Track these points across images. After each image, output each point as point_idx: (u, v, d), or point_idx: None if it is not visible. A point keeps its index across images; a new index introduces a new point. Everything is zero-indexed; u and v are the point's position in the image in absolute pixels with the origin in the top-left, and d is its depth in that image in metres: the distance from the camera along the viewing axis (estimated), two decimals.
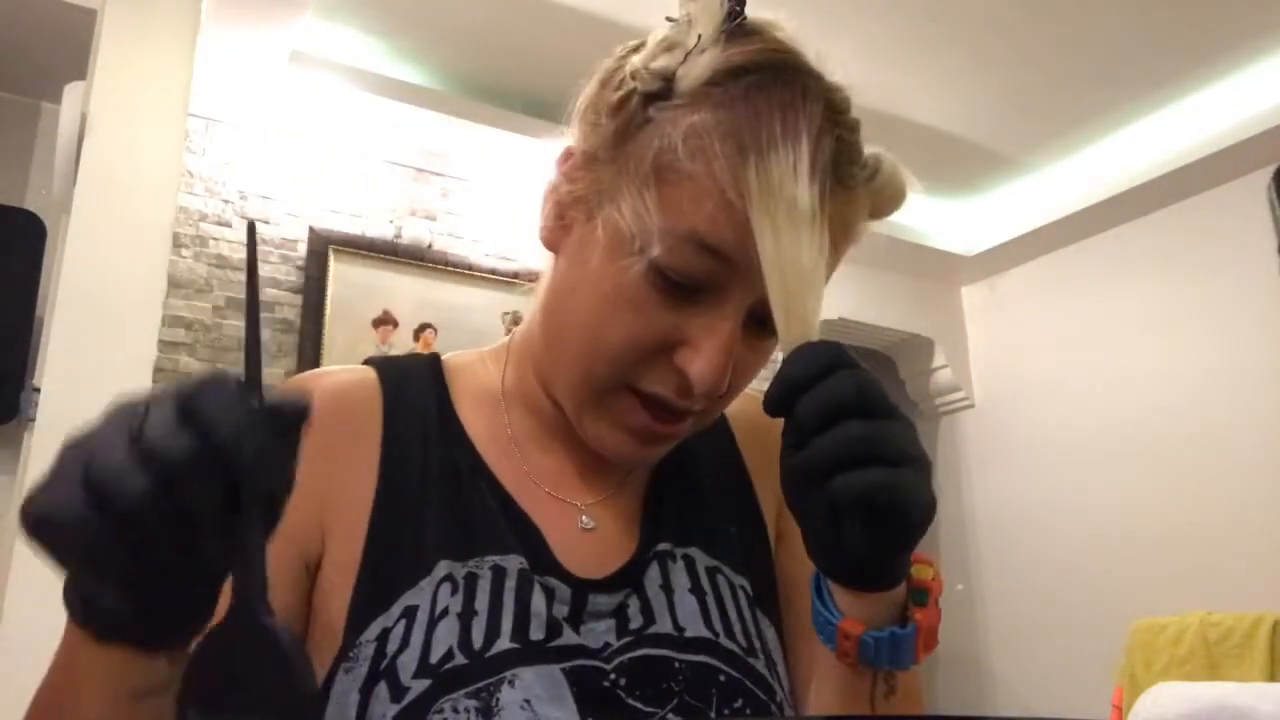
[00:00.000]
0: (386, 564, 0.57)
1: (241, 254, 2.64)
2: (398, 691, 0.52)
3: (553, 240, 0.61)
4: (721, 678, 0.57)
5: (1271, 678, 2.58)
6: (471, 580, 0.56)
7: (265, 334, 2.64)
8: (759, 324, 0.56)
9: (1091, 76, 2.90)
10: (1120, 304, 3.49)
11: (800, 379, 0.47)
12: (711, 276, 0.54)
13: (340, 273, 2.75)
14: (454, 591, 0.56)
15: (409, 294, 2.84)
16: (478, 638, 0.54)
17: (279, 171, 2.75)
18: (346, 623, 0.55)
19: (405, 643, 0.54)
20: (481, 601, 0.55)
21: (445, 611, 0.55)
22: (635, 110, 0.56)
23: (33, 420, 1.75)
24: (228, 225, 2.65)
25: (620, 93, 0.57)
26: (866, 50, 2.74)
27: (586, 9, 2.49)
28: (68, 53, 2.21)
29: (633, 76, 0.56)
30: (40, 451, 1.70)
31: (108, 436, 0.36)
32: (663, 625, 0.58)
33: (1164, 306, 3.35)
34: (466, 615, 0.55)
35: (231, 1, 2.26)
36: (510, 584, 0.57)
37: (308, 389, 0.62)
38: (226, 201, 2.66)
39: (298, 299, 2.69)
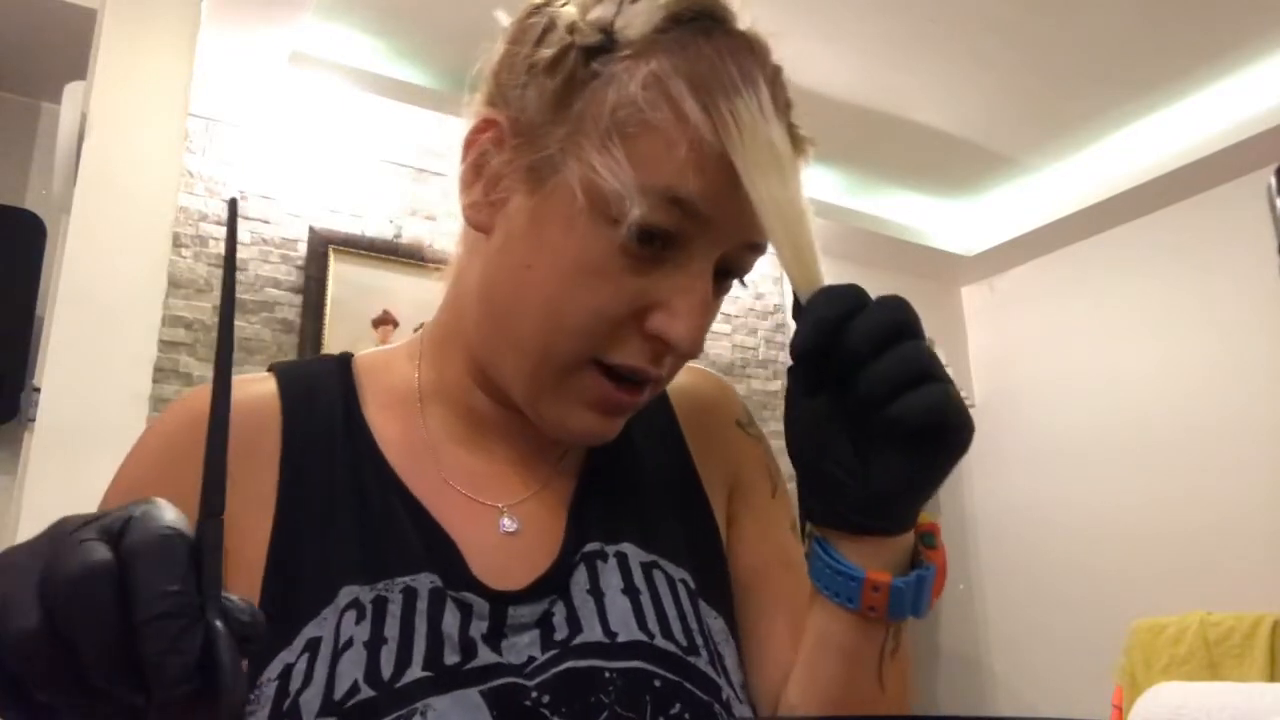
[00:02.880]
0: (289, 595, 0.52)
1: (241, 253, 2.64)
2: None
3: (483, 219, 0.56)
4: (656, 682, 0.52)
5: (1271, 678, 2.58)
6: (380, 605, 0.52)
7: (266, 333, 2.64)
8: (718, 278, 0.55)
9: (1091, 77, 2.90)
10: (1120, 304, 3.49)
11: (837, 316, 0.47)
12: (680, 233, 0.51)
13: (340, 273, 2.75)
14: (360, 619, 0.51)
15: (409, 294, 2.83)
16: (387, 667, 0.50)
17: (279, 171, 2.75)
18: (249, 662, 0.50)
19: (309, 679, 0.49)
20: (391, 628, 0.51)
21: (350, 642, 0.50)
22: (576, 65, 0.52)
23: (33, 420, 1.75)
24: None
25: (552, 49, 0.53)
26: (866, 50, 2.74)
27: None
28: (68, 53, 2.21)
29: (569, 30, 0.53)
30: (40, 451, 1.70)
31: (22, 567, 0.31)
32: (591, 633, 0.54)
33: (1164, 306, 3.35)
34: (375, 644, 0.50)
35: (231, 1, 2.26)
36: (422, 606, 0.52)
37: (201, 405, 0.56)
38: (227, 201, 2.66)
39: (298, 299, 2.69)
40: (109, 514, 0.32)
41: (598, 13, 0.53)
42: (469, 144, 0.57)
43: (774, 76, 0.54)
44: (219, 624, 0.30)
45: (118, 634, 0.29)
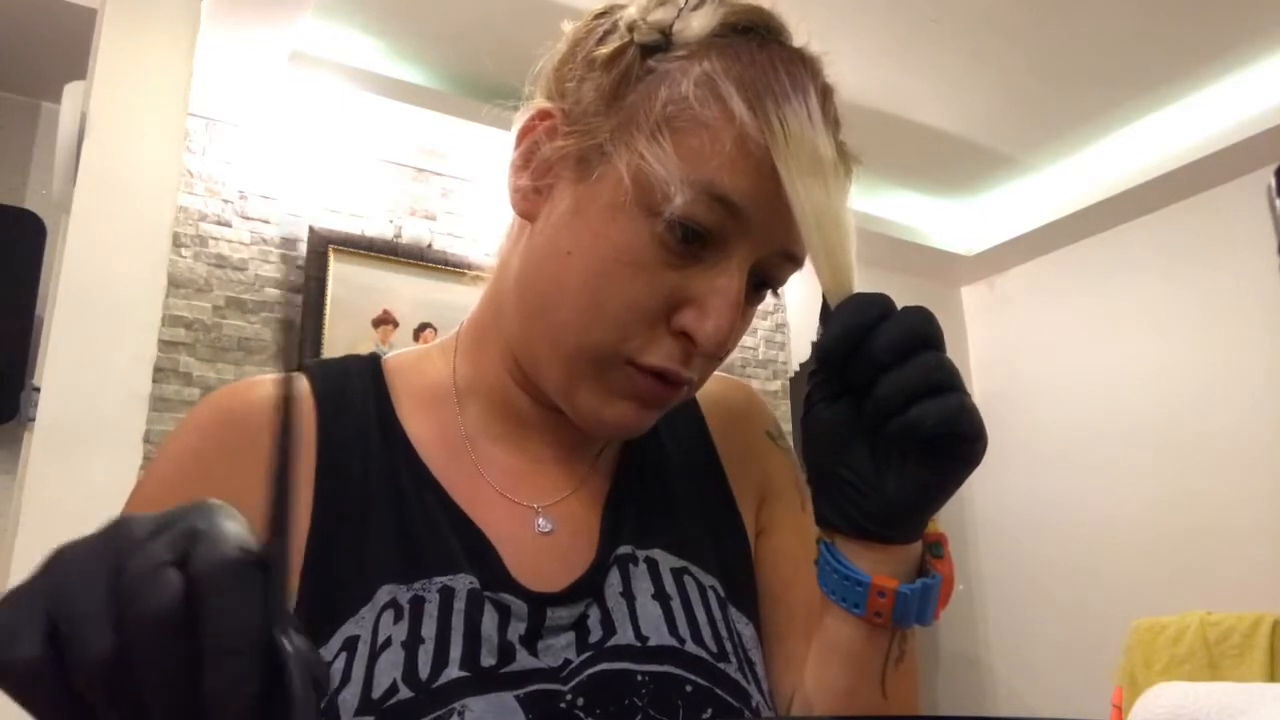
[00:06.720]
0: (326, 593, 0.52)
1: (241, 253, 2.64)
2: None
3: (529, 206, 0.57)
4: (688, 687, 0.53)
5: (1271, 678, 2.58)
6: (418, 605, 0.52)
7: (266, 333, 2.64)
8: (753, 288, 0.56)
9: (1091, 76, 2.90)
10: (1120, 304, 3.49)
11: (863, 323, 0.47)
12: (719, 232, 0.52)
13: (340, 272, 2.75)
14: (398, 619, 0.51)
15: (409, 294, 2.83)
16: (424, 668, 0.50)
17: (279, 171, 2.75)
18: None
19: (346, 678, 0.49)
20: (429, 628, 0.51)
21: (388, 641, 0.50)
22: (632, 62, 0.54)
23: (33, 420, 1.75)
24: (228, 225, 2.65)
25: (612, 46, 0.55)
26: (866, 50, 2.74)
27: (587, 9, 2.49)
28: (68, 53, 2.21)
29: (629, 29, 0.55)
30: (40, 451, 1.71)
31: (86, 573, 0.29)
32: (624, 636, 0.54)
33: (1164, 306, 3.35)
34: (412, 643, 0.50)
35: (231, 1, 2.26)
36: (459, 606, 0.52)
37: (236, 404, 0.57)
38: (226, 201, 2.66)
39: (298, 299, 2.70)
40: (174, 521, 0.31)
41: (658, 15, 0.55)
42: (523, 133, 0.58)
43: (824, 91, 0.55)
44: (289, 653, 0.29)
45: (184, 665, 0.28)
